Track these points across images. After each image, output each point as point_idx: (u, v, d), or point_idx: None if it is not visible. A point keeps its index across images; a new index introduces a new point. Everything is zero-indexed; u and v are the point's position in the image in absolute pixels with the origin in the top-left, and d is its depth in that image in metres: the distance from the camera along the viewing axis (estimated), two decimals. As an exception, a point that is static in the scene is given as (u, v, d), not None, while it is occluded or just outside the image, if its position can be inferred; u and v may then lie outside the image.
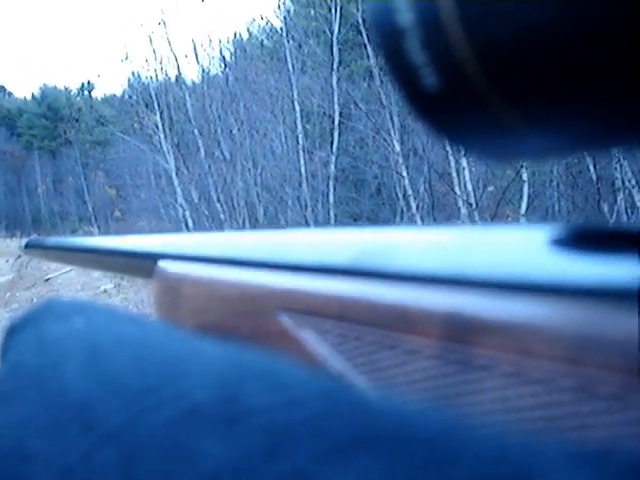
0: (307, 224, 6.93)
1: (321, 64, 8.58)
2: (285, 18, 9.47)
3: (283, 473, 0.11)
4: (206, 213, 9.26)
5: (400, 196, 7.45)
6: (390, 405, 0.13)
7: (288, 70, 8.59)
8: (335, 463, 0.11)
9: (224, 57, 11.21)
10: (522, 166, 5.36)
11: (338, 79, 7.98)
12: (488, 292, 0.23)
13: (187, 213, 9.47)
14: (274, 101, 9.35)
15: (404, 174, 6.65)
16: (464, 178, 5.85)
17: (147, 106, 10.56)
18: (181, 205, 9.58)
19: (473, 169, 5.99)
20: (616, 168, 5.04)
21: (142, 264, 0.48)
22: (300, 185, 8.26)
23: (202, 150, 9.46)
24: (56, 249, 0.74)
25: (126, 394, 0.14)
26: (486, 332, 0.23)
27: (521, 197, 5.81)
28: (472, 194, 5.74)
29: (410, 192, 6.78)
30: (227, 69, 10.73)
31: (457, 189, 5.87)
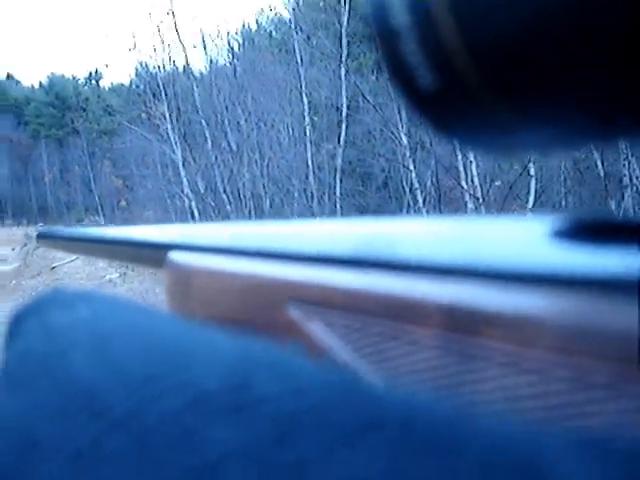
0: (313, 217, 6.93)
1: (329, 56, 8.56)
2: (294, 9, 9.45)
3: (290, 460, 0.11)
4: (212, 204, 9.27)
5: (407, 190, 7.44)
6: (396, 395, 0.13)
7: (296, 62, 8.58)
8: (341, 451, 0.11)
9: (232, 48, 11.20)
10: (530, 161, 5.35)
11: (346, 71, 7.97)
12: (490, 283, 0.24)
13: (193, 204, 9.48)
14: (282, 93, 9.35)
15: (411, 167, 6.65)
16: (471, 172, 5.84)
17: (154, 96, 10.57)
18: (187, 196, 9.59)
19: (480, 163, 5.98)
20: (624, 165, 5.03)
21: (153, 254, 0.48)
22: (307, 177, 8.26)
23: (209, 141, 9.46)
24: (67, 239, 0.74)
25: (134, 381, 0.14)
26: (488, 323, 0.23)
27: (528, 192, 5.80)
28: (479, 188, 5.73)
29: (417, 186, 6.77)
30: (235, 60, 10.73)
31: (464, 183, 5.86)
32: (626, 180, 5.04)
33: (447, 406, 0.13)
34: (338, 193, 8.09)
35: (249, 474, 0.11)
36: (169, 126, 9.98)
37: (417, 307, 0.26)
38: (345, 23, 7.93)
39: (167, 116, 10.03)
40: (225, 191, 9.04)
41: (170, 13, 9.73)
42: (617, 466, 0.10)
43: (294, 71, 8.81)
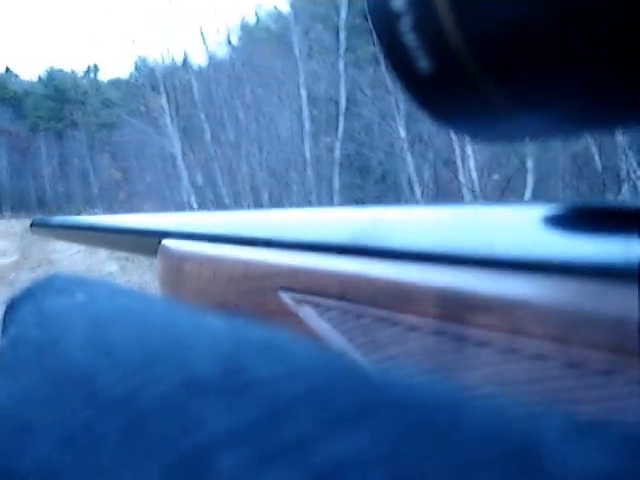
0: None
1: (328, 49, 8.56)
2: (292, 3, 9.44)
3: (286, 441, 0.11)
4: (211, 197, 9.28)
5: (404, 183, 7.45)
6: (392, 377, 0.13)
7: (294, 55, 8.58)
8: (338, 431, 0.11)
9: (231, 41, 11.19)
10: (527, 155, 5.36)
11: (345, 65, 7.97)
12: (484, 270, 0.24)
13: (192, 197, 9.49)
14: (280, 86, 9.35)
15: (409, 161, 6.66)
16: (469, 166, 5.85)
17: (153, 89, 10.57)
18: (186, 189, 9.59)
19: (478, 157, 5.99)
20: (621, 159, 5.04)
21: (147, 242, 0.49)
22: (305, 170, 8.26)
23: (208, 134, 9.47)
24: (61, 228, 0.75)
25: (127, 366, 0.14)
26: (481, 310, 0.23)
27: (525, 186, 5.81)
28: (476, 182, 5.75)
29: (415, 179, 6.78)
30: (234, 53, 10.71)
31: (461, 177, 5.87)
32: (623, 174, 5.06)
33: (442, 387, 0.13)
34: (336, 186, 8.10)
35: (244, 456, 0.11)
36: (168, 119, 9.99)
37: (410, 294, 0.26)
38: (343, 16, 7.93)
39: (166, 109, 10.03)
40: (224, 184, 9.05)
41: (169, 2, 9.73)
42: (616, 450, 0.10)
43: (292, 64, 8.81)
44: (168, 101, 10.13)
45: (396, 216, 0.30)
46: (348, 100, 8.29)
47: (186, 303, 0.37)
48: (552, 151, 6.07)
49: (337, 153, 8.19)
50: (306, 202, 8.04)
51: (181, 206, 9.69)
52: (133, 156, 13.36)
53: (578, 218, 0.23)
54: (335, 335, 0.29)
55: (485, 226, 0.25)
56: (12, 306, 0.23)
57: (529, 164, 5.72)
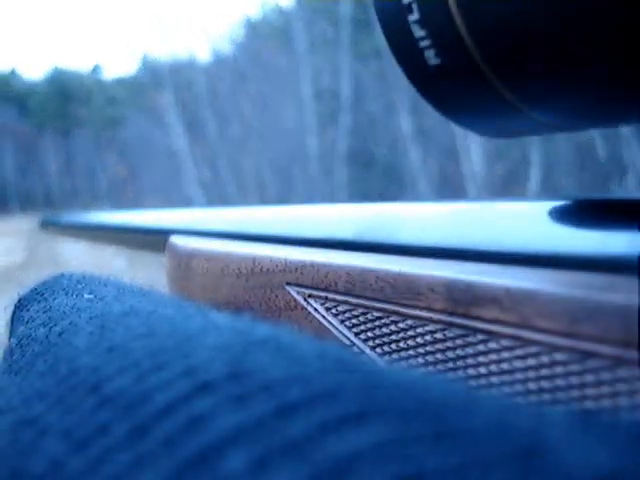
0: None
1: (331, 44, 8.54)
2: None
3: (292, 440, 0.11)
4: (217, 193, 9.26)
5: (408, 176, 7.43)
6: (399, 374, 0.13)
7: (298, 50, 8.55)
8: (343, 431, 0.11)
9: (235, 37, 11.16)
10: (531, 146, 5.35)
11: (348, 59, 7.95)
12: (490, 264, 0.24)
13: (198, 193, 9.48)
14: (284, 81, 9.32)
15: (412, 154, 6.64)
16: (472, 159, 5.83)
17: (158, 86, 10.55)
18: (192, 185, 9.58)
19: (482, 149, 5.97)
20: (625, 149, 5.02)
21: (154, 239, 0.49)
22: (309, 164, 8.24)
23: (213, 130, 9.45)
24: (70, 226, 0.75)
25: (135, 367, 0.14)
26: (488, 303, 0.23)
27: (528, 178, 5.79)
28: (480, 175, 5.73)
29: (418, 172, 6.76)
30: (238, 49, 10.69)
31: (465, 170, 5.86)
32: (627, 164, 5.04)
33: (450, 385, 0.13)
34: (341, 180, 8.09)
35: (251, 455, 0.11)
36: (173, 116, 9.97)
37: (417, 288, 0.26)
38: (346, 10, 7.91)
39: (171, 106, 10.02)
40: (229, 180, 9.04)
41: (173, 2, 9.72)
42: (622, 446, 0.10)
43: (296, 60, 8.78)
44: (173, 98, 10.12)
45: (402, 211, 0.30)
46: (352, 94, 8.27)
47: (194, 300, 0.39)
48: (556, 142, 6.05)
49: (341, 147, 8.17)
50: (310, 196, 8.02)
51: (188, 202, 9.67)
52: (139, 153, 13.32)
53: (584, 212, 0.23)
54: (342, 329, 0.29)
55: (491, 221, 0.25)
56: (20, 305, 0.23)
57: (533, 156, 5.70)
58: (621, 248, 0.20)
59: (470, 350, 0.24)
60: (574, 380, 0.20)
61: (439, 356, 0.25)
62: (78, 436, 0.13)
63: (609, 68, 0.18)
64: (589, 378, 0.20)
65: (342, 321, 0.29)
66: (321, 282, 0.30)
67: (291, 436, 0.11)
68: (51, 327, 0.19)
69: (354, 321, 0.29)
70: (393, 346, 0.27)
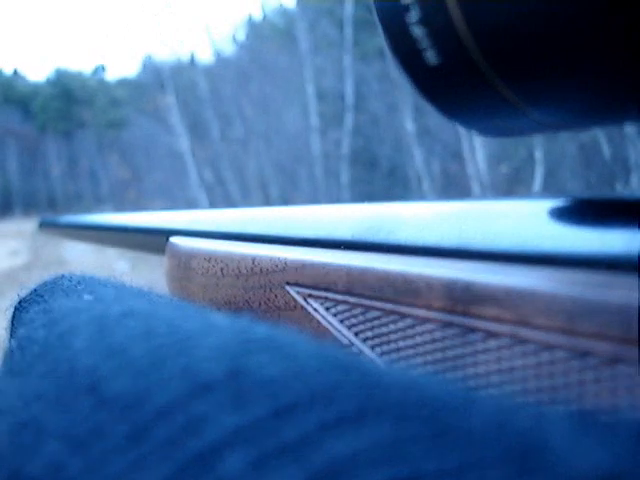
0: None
1: (334, 44, 8.55)
2: (298, -1, 9.42)
3: (289, 441, 0.11)
4: (220, 194, 9.28)
5: (412, 177, 7.44)
6: (397, 374, 0.13)
7: (301, 51, 8.56)
8: (340, 432, 0.11)
9: (237, 38, 11.18)
10: (535, 146, 5.35)
11: (351, 59, 7.96)
12: (489, 263, 0.24)
13: (201, 194, 9.49)
14: (287, 82, 9.33)
15: (416, 154, 6.64)
16: (477, 158, 5.83)
17: (161, 88, 10.57)
18: (195, 186, 9.60)
19: (486, 149, 5.98)
20: (630, 149, 5.02)
21: (155, 240, 0.49)
22: (312, 165, 8.25)
23: (216, 131, 9.46)
24: (69, 227, 0.74)
25: (135, 368, 0.14)
26: (488, 302, 0.23)
27: (533, 177, 5.79)
28: (485, 174, 5.73)
29: (422, 173, 6.77)
30: (240, 50, 10.71)
31: (470, 169, 5.86)
32: (632, 164, 5.04)
33: (448, 385, 0.13)
34: (344, 182, 8.09)
35: (249, 456, 0.11)
36: (176, 117, 9.99)
37: (417, 287, 0.26)
38: (349, 10, 7.91)
39: (174, 107, 10.03)
40: (232, 181, 9.05)
41: (176, 3, 9.76)
42: (621, 446, 0.10)
43: (299, 60, 8.79)
44: (176, 99, 10.14)
45: (402, 211, 0.30)
46: (355, 95, 8.28)
47: (193, 300, 0.39)
48: (560, 142, 6.05)
49: (345, 148, 8.18)
50: (314, 197, 8.02)
51: (191, 203, 9.68)
52: (142, 154, 13.33)
53: (583, 211, 0.23)
54: (342, 329, 0.29)
55: (491, 220, 0.25)
56: (20, 307, 0.23)
57: (537, 155, 5.70)
58: (619, 247, 0.20)
59: (469, 349, 0.24)
60: (573, 378, 0.20)
61: (438, 355, 0.25)
62: (77, 437, 0.13)
63: (610, 66, 0.18)
64: (588, 376, 0.20)
65: (341, 321, 0.29)
66: (321, 282, 0.30)
67: (289, 437, 0.11)
68: (51, 328, 0.19)
69: (353, 321, 0.29)
70: (392, 345, 0.27)
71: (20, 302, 0.23)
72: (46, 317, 0.20)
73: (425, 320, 0.25)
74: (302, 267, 0.32)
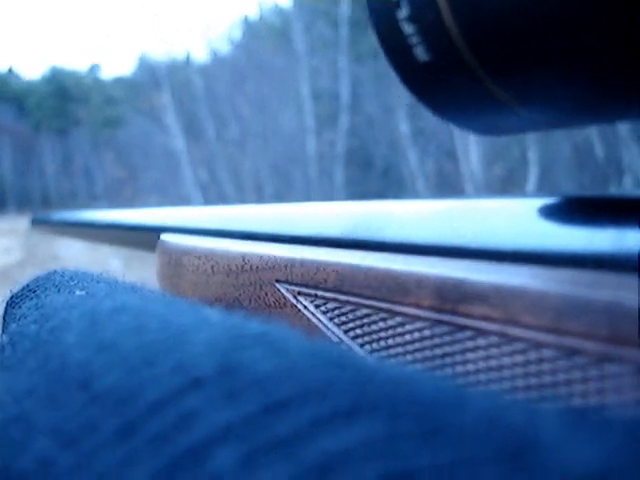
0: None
1: (329, 45, 8.55)
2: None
3: (280, 436, 0.11)
4: (215, 193, 9.27)
5: (407, 177, 7.44)
6: (390, 371, 0.13)
7: (296, 51, 8.57)
8: (332, 427, 0.11)
9: (233, 38, 11.18)
10: (529, 146, 5.36)
11: (346, 59, 7.96)
12: (479, 261, 0.24)
13: (196, 193, 9.49)
14: (283, 82, 9.34)
15: (411, 155, 6.65)
16: (471, 159, 5.84)
17: (156, 86, 10.56)
18: (190, 185, 9.59)
19: (480, 150, 5.99)
20: (623, 150, 5.04)
21: (146, 238, 0.49)
22: (307, 165, 8.26)
23: (211, 130, 9.46)
24: (61, 224, 0.74)
25: (126, 363, 0.14)
26: (476, 301, 0.23)
27: (526, 179, 5.81)
28: (479, 175, 5.74)
29: (417, 173, 6.78)
30: (236, 50, 10.71)
31: (464, 170, 5.87)
32: (625, 165, 5.06)
33: (440, 382, 0.13)
34: (339, 181, 8.10)
35: (239, 452, 0.11)
36: (171, 117, 9.98)
37: (407, 285, 0.26)
38: (344, 11, 7.92)
39: (169, 107, 10.03)
40: (227, 180, 9.05)
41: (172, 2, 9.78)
42: (613, 444, 0.10)
43: (294, 60, 8.80)
44: (171, 98, 10.14)
45: (392, 209, 0.30)
46: (350, 95, 8.28)
47: (184, 297, 0.39)
48: (554, 143, 6.06)
49: (339, 148, 8.18)
50: (308, 197, 8.03)
51: (186, 202, 9.67)
52: (137, 153, 13.31)
53: (573, 209, 0.23)
54: (331, 327, 0.29)
55: (481, 218, 0.25)
56: (12, 303, 0.23)
57: (531, 156, 5.71)
58: (608, 245, 0.20)
59: (458, 347, 0.24)
60: (561, 377, 0.20)
61: (427, 353, 0.25)
62: (67, 433, 0.13)
63: (600, 65, 0.18)
64: (576, 375, 0.20)
65: (331, 318, 0.29)
66: (310, 279, 0.30)
67: (280, 433, 0.11)
68: (42, 324, 0.19)
69: (343, 318, 0.29)
70: (382, 343, 0.27)
71: (12, 298, 0.23)
72: (38, 312, 0.20)
73: (414, 318, 0.25)
74: (292, 265, 0.32)
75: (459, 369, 0.24)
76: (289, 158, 8.69)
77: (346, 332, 0.29)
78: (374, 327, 0.27)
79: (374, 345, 0.27)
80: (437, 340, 0.24)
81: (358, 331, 0.28)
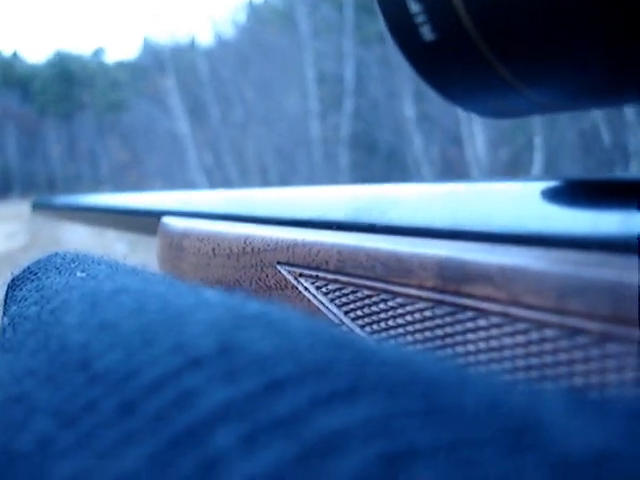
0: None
1: (334, 28, 8.52)
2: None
3: (283, 416, 0.11)
4: (219, 177, 9.27)
5: (411, 161, 7.43)
6: (391, 352, 0.13)
7: (301, 34, 8.54)
8: (335, 407, 0.11)
9: (237, 21, 11.15)
10: (534, 131, 5.35)
11: (351, 43, 7.94)
12: (480, 243, 0.24)
13: (200, 178, 9.49)
14: (287, 65, 9.32)
15: (415, 139, 6.64)
16: (476, 144, 5.83)
17: (160, 70, 10.55)
18: (195, 169, 9.59)
19: (485, 135, 5.97)
20: (629, 135, 5.02)
21: (147, 221, 0.49)
22: (311, 149, 8.25)
23: (216, 114, 9.45)
24: (62, 208, 0.74)
25: (126, 344, 0.14)
26: (478, 281, 0.23)
27: (532, 164, 5.79)
28: (484, 160, 5.73)
29: (421, 157, 6.76)
30: (241, 33, 10.68)
31: (469, 155, 5.85)
32: (631, 150, 5.04)
33: (441, 362, 0.13)
34: (343, 165, 8.09)
35: (239, 431, 0.11)
36: (176, 100, 9.97)
37: (408, 266, 0.26)
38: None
39: (174, 90, 10.01)
40: (232, 164, 9.05)
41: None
42: (615, 425, 0.10)
43: (299, 44, 8.77)
44: (176, 82, 10.12)
45: (395, 192, 0.30)
46: (355, 79, 8.26)
47: (185, 279, 0.38)
48: (560, 128, 6.05)
49: (344, 132, 8.17)
50: (313, 180, 8.03)
51: (190, 186, 9.67)
52: (142, 137, 13.31)
53: (575, 192, 0.23)
54: (332, 308, 0.29)
55: (485, 201, 0.25)
56: (13, 285, 0.23)
57: (537, 142, 5.69)
58: (611, 227, 0.20)
59: (459, 327, 0.24)
60: (563, 357, 0.20)
61: (428, 334, 0.25)
62: (67, 413, 0.13)
63: (608, 46, 0.18)
64: (578, 355, 0.20)
65: (332, 300, 0.29)
66: (312, 261, 0.30)
67: (280, 412, 0.11)
68: (43, 305, 0.19)
69: (344, 300, 0.29)
70: (382, 324, 0.27)
71: (13, 280, 0.23)
72: (38, 294, 0.20)
73: (416, 299, 0.25)
74: (294, 246, 0.32)
75: (460, 350, 0.24)
76: (293, 141, 8.68)
77: (347, 313, 0.29)
78: (375, 308, 0.27)
79: (375, 326, 0.27)
80: (439, 321, 0.24)
81: (359, 312, 0.28)
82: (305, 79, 8.63)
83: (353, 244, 0.29)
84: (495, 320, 0.22)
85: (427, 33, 0.21)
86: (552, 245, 0.22)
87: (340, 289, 0.29)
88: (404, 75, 6.55)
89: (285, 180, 8.65)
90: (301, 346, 0.13)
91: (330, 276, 0.29)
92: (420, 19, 0.21)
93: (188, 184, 9.82)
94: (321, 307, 0.30)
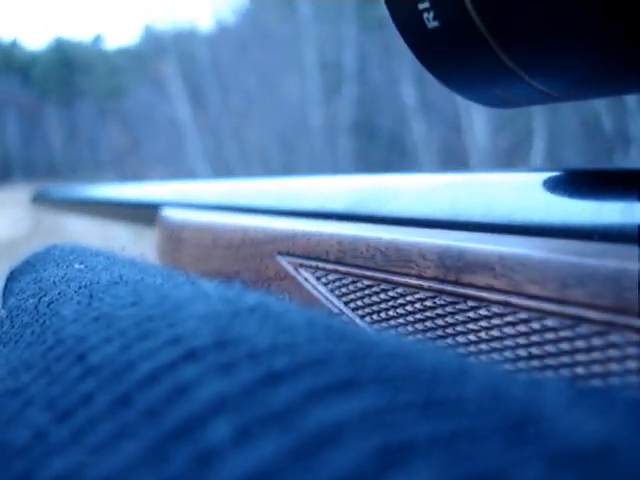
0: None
1: (335, 13, 8.50)
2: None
3: (280, 408, 0.11)
4: (220, 164, 9.27)
5: (411, 149, 7.42)
6: (391, 343, 0.13)
7: (302, 20, 8.52)
8: (332, 399, 0.11)
9: (238, 6, 11.11)
10: (535, 119, 5.34)
11: (352, 30, 7.91)
12: (480, 233, 0.24)
13: (201, 165, 9.48)
14: (288, 51, 9.29)
15: (416, 127, 6.63)
16: (475, 131, 5.82)
17: (161, 56, 10.52)
18: (196, 156, 9.58)
19: (485, 122, 5.96)
20: (630, 122, 5.01)
21: (146, 212, 0.49)
22: (312, 136, 8.24)
23: (216, 100, 9.43)
24: (62, 201, 0.74)
25: (123, 336, 0.14)
26: (479, 270, 0.23)
27: (531, 150, 5.78)
28: (484, 146, 5.72)
29: (422, 145, 6.76)
30: (241, 19, 10.65)
31: (468, 142, 5.85)
32: (632, 137, 5.04)
33: (442, 353, 0.13)
34: (343, 152, 8.08)
35: (235, 423, 0.11)
36: (176, 86, 9.95)
37: (409, 256, 0.26)
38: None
39: (174, 77, 9.99)
40: (232, 151, 9.04)
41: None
42: (616, 416, 0.10)
43: (300, 30, 8.75)
44: (176, 68, 10.10)
45: (395, 183, 0.30)
46: (356, 65, 8.24)
47: (184, 271, 0.40)
48: (560, 115, 6.04)
49: (345, 119, 8.16)
50: (314, 168, 8.01)
51: (190, 174, 9.67)
52: (142, 123, 13.28)
53: (576, 182, 0.23)
54: (332, 298, 0.29)
55: (486, 191, 0.25)
56: (11, 277, 0.23)
57: (537, 128, 5.68)
58: (612, 217, 0.20)
59: (460, 317, 0.24)
60: (565, 346, 0.20)
61: (428, 324, 0.25)
62: (62, 406, 0.13)
63: (610, 35, 0.18)
64: (580, 344, 0.20)
65: (332, 290, 0.29)
66: (312, 251, 0.30)
67: (277, 405, 0.11)
68: (40, 297, 0.19)
69: (344, 290, 0.29)
70: (382, 314, 0.27)
71: (12, 272, 0.24)
72: (36, 286, 0.20)
73: (417, 289, 0.25)
74: (293, 237, 0.32)
75: (461, 339, 0.24)
76: (294, 128, 8.66)
77: (347, 304, 0.29)
78: (375, 298, 0.27)
79: (375, 316, 0.27)
80: (439, 310, 0.24)
81: (359, 302, 0.28)
82: (306, 65, 8.61)
83: (353, 234, 0.29)
84: (496, 309, 0.22)
85: (430, 20, 0.21)
86: (553, 235, 0.22)
87: (340, 279, 0.29)
88: (405, 61, 6.53)
89: (286, 166, 8.63)
90: (299, 338, 0.13)
91: (330, 266, 0.29)
92: (423, 6, 0.20)
93: (188, 170, 9.81)
94: (321, 297, 0.30)
